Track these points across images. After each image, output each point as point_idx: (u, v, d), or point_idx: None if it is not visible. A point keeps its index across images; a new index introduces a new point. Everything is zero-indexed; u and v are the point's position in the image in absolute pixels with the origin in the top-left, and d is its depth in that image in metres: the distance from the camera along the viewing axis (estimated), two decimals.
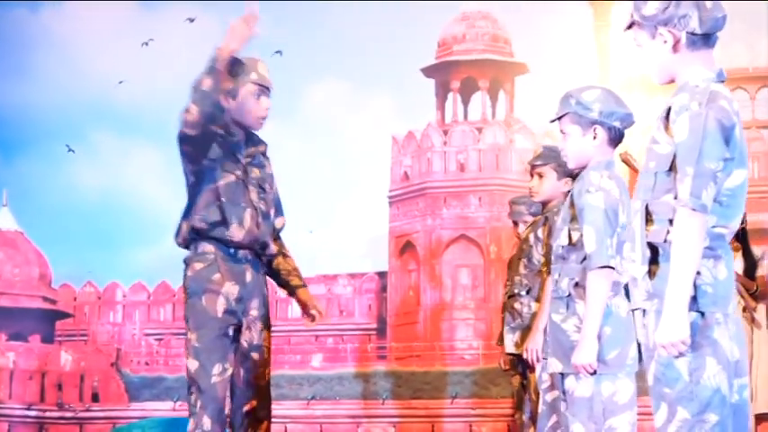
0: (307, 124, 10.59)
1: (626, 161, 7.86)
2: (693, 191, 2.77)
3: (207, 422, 3.75)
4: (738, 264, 6.75)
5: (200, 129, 3.73)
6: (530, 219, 6.45)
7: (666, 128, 2.86)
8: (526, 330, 5.12)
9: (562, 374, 3.78)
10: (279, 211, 4.09)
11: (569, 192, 3.91)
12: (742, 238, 6.87)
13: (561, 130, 3.80)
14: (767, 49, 8.41)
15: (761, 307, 6.64)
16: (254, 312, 3.87)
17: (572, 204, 3.75)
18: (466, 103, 8.60)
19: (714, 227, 2.86)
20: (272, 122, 4.07)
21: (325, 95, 10.99)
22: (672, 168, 2.83)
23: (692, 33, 2.90)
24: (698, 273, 2.80)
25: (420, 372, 8.08)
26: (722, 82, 2.93)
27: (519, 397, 6.41)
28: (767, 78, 8.07)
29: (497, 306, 8.16)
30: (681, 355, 2.78)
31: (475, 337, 8.09)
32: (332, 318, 9.53)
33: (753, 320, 6.55)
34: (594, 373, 3.59)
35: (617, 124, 3.76)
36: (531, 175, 5.12)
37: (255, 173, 3.97)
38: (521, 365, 5.36)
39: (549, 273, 5.00)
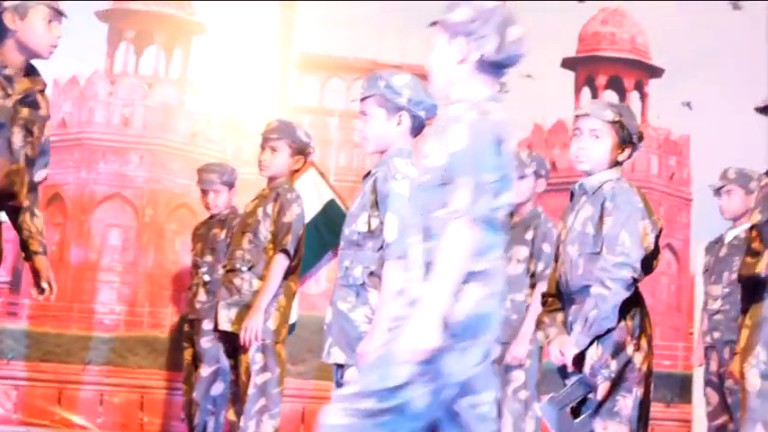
0: None
1: None
2: (468, 202, 2.63)
3: None
4: None
5: None
6: (221, 188, 6.17)
7: (440, 140, 2.77)
8: (244, 308, 4.83)
9: (340, 365, 3.62)
10: (44, 162, 3.71)
11: (369, 175, 3.74)
12: None
13: (363, 111, 3.70)
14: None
15: None
16: None
17: (374, 190, 3.58)
18: (139, 55, 8.12)
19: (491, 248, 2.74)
20: None
21: None
22: (444, 182, 2.70)
23: (485, 57, 2.78)
24: (462, 298, 2.65)
25: (53, 333, 7.56)
26: (497, 103, 2.83)
27: (188, 371, 6.16)
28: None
29: (146, 271, 7.77)
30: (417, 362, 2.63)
31: (118, 301, 7.66)
32: None
33: None
34: None
35: (422, 114, 3.70)
36: (263, 148, 4.92)
37: (24, 113, 3.50)
38: (228, 344, 5.06)
39: (275, 251, 4.80)
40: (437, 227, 2.72)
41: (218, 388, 6.08)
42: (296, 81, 8.23)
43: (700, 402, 5.99)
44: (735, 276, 5.31)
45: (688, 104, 7.90)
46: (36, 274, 3.77)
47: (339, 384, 3.65)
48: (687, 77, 8.20)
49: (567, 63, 8.45)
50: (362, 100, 3.73)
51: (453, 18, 2.85)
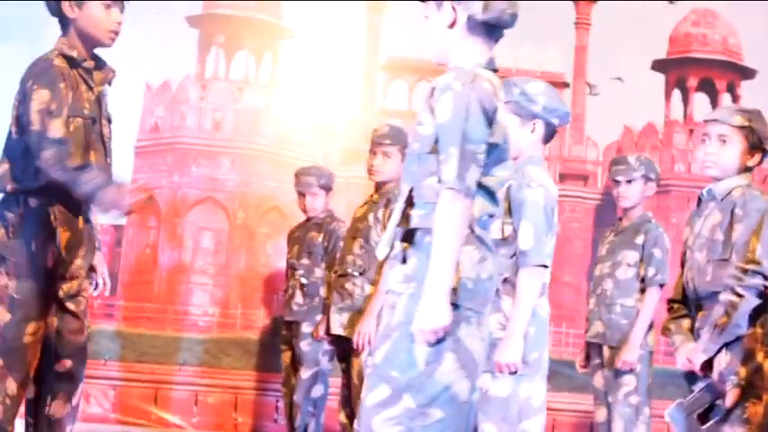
0: None
1: None
2: (458, 173, 2.63)
3: (12, 386, 3.27)
4: None
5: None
6: (318, 191, 6.23)
7: (430, 108, 2.76)
8: (356, 313, 4.90)
9: None
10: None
11: None
12: None
13: None
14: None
15: None
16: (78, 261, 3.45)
17: (506, 198, 3.60)
18: (229, 60, 8.20)
19: (482, 215, 2.75)
20: None
21: None
22: (433, 150, 2.71)
23: (474, 17, 2.78)
24: (461, 264, 2.67)
25: (149, 334, 7.66)
26: (493, 71, 2.84)
27: (287, 373, 6.23)
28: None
29: (238, 273, 7.86)
30: (439, 342, 2.63)
31: (211, 303, 7.74)
32: None
33: None
34: (515, 372, 3.48)
35: (555, 122, 3.72)
36: (374, 153, 4.95)
37: (105, 105, 3.54)
38: (339, 348, 5.13)
39: None
40: (427, 195, 2.75)
41: (318, 390, 6.14)
42: (384, 85, 8.27)
43: None
44: None
45: None
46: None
47: None
48: None
49: (658, 65, 8.40)
50: None
51: None
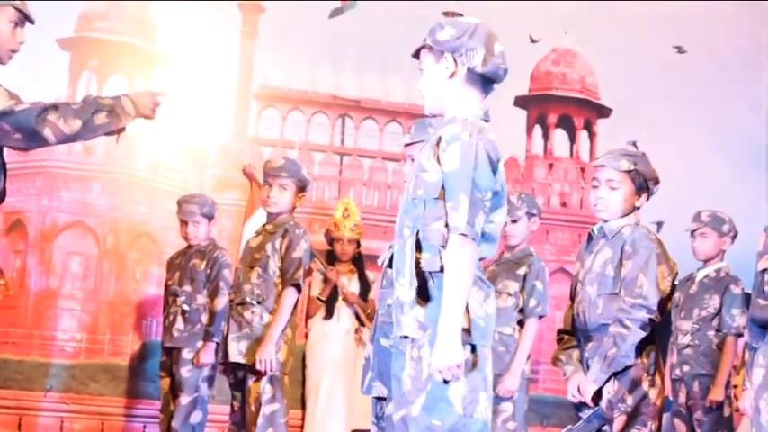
0: None
1: (248, 175, 7.88)
2: (468, 219, 2.81)
3: None
4: (355, 286, 6.98)
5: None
6: (201, 219, 6.29)
7: (436, 156, 2.89)
8: (254, 341, 4.98)
9: (381, 398, 3.75)
10: None
11: None
12: (358, 262, 7.12)
13: (409, 155, 3.81)
14: (397, 84, 8.70)
15: (367, 327, 6.91)
16: None
17: None
18: (101, 84, 8.17)
19: (480, 258, 2.91)
20: None
21: None
22: (440, 196, 2.86)
23: (473, 70, 2.97)
24: (469, 306, 2.82)
25: (14, 360, 7.54)
26: (487, 122, 3.01)
27: (166, 400, 6.24)
28: (395, 113, 8.32)
29: (107, 298, 7.82)
30: (455, 379, 2.79)
31: (79, 329, 7.67)
32: None
33: (360, 339, 6.81)
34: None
35: None
36: (270, 185, 5.05)
37: None
38: (232, 375, 5.20)
39: (285, 285, 4.95)
40: (433, 238, 2.91)
41: (197, 416, 6.19)
42: (256, 113, 8.37)
43: None
44: (704, 313, 5.64)
45: (634, 144, 8.25)
46: None
47: (378, 417, 3.82)
48: (634, 118, 8.56)
49: (520, 101, 8.73)
50: (408, 145, 3.91)
51: (439, 38, 3.06)
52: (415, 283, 2.90)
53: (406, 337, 2.92)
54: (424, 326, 2.88)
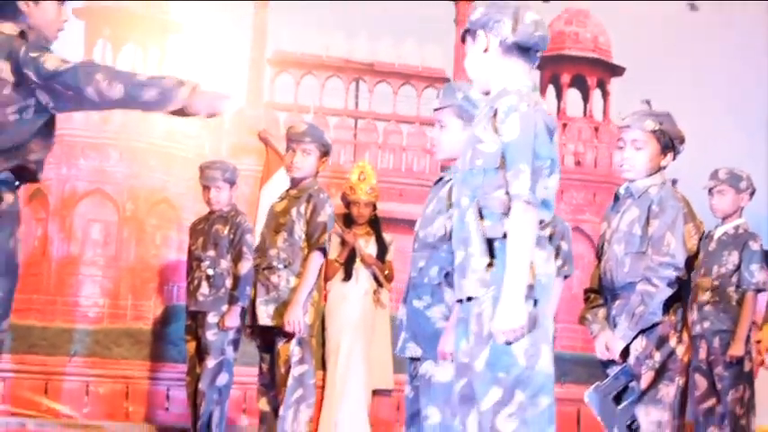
0: None
1: (264, 140, 7.93)
2: (530, 186, 2.89)
3: None
4: (372, 248, 7.06)
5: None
6: (223, 185, 6.36)
7: (494, 127, 2.96)
8: (282, 304, 5.06)
9: (416, 359, 3.79)
10: None
11: (440, 180, 3.91)
12: (375, 224, 7.19)
13: (438, 120, 3.85)
14: (410, 47, 8.72)
15: (385, 289, 6.99)
16: None
17: (449, 196, 3.77)
18: (116, 53, 8.21)
19: (539, 222, 2.99)
20: None
21: None
22: (500, 166, 2.94)
23: (504, 41, 3.05)
24: (535, 264, 2.92)
25: (38, 326, 7.63)
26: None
27: (192, 363, 6.33)
28: (408, 76, 8.37)
29: (128, 264, 7.90)
30: (516, 341, 2.88)
31: (101, 295, 7.76)
32: None
33: (378, 300, 6.89)
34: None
35: None
36: (293, 150, 5.11)
37: None
38: (260, 339, 5.28)
39: (310, 249, 5.02)
40: (494, 206, 3.00)
41: (224, 378, 6.28)
42: (270, 79, 8.41)
43: None
44: (723, 270, 5.71)
45: (647, 102, 8.28)
46: None
47: (413, 377, 3.91)
48: (648, 77, 8.58)
49: None
50: (438, 110, 3.97)
51: (473, 18, 3.20)
52: (486, 249, 2.98)
53: (469, 299, 3.02)
54: (488, 282, 2.97)
